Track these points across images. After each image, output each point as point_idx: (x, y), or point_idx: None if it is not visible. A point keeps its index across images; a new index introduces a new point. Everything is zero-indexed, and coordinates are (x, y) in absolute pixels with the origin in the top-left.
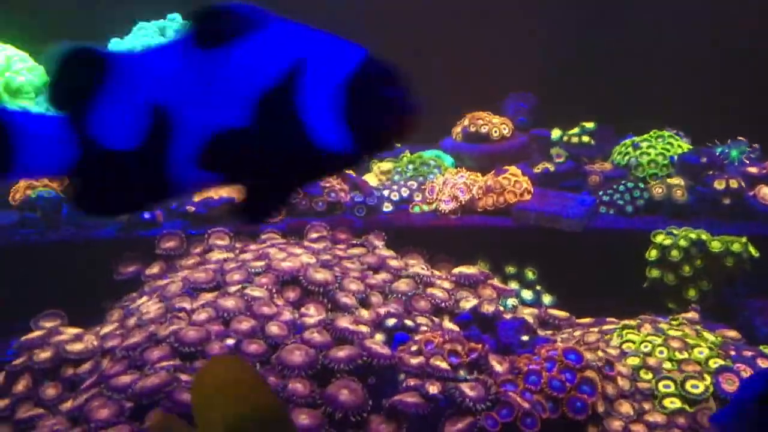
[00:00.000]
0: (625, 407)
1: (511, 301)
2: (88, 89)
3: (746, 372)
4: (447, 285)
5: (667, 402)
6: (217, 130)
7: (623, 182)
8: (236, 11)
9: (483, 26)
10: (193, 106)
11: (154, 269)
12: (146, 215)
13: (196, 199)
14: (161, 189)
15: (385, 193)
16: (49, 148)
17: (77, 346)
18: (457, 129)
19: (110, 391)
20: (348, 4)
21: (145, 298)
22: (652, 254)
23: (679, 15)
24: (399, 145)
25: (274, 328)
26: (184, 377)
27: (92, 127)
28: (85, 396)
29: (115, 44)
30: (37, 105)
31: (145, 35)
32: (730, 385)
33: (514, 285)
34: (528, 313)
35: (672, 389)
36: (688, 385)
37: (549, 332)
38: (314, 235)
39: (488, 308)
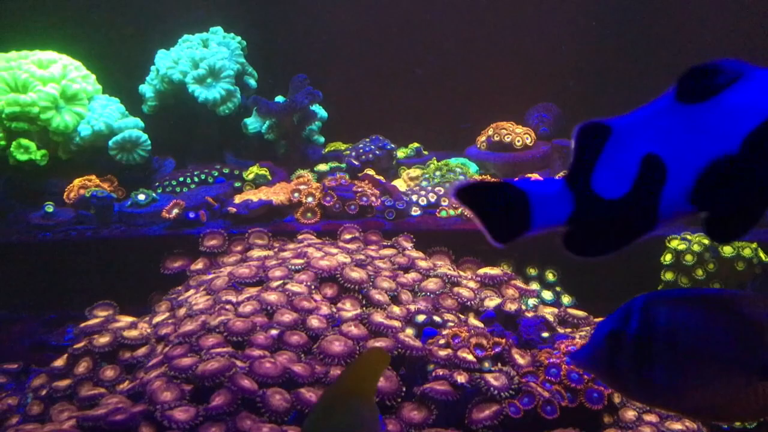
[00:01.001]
0: None
1: (533, 301)
2: (594, 154)
3: None
4: (472, 285)
5: None
6: (709, 168)
7: None
8: (723, 66)
9: (508, 39)
10: (683, 150)
11: (199, 265)
12: (191, 215)
13: (237, 200)
14: (649, 225)
15: (414, 198)
16: (554, 205)
17: (133, 333)
18: (482, 138)
19: (173, 371)
20: (378, 11)
21: (192, 291)
22: (667, 258)
23: (701, 27)
24: (426, 152)
25: (314, 321)
26: (239, 363)
27: (588, 182)
28: (148, 375)
29: (162, 55)
30: (90, 111)
31: (190, 47)
32: None
33: (535, 286)
34: (548, 312)
35: None
36: None
37: (568, 330)
38: (347, 237)
39: (511, 307)
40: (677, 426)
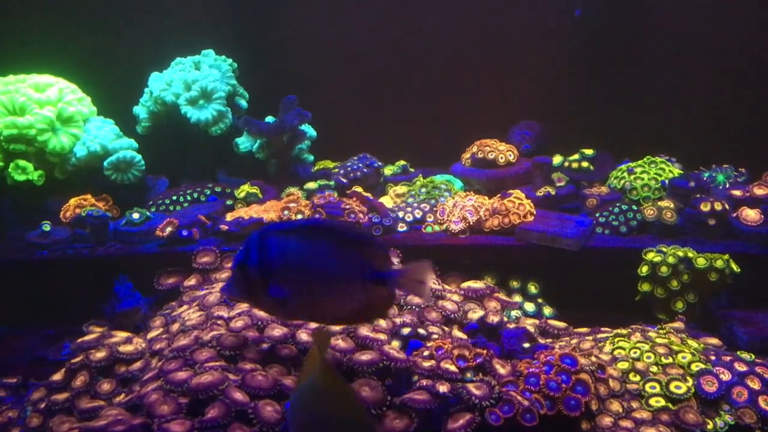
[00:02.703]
0: (615, 406)
1: (515, 313)
2: None
3: (725, 375)
4: (456, 298)
5: (652, 401)
6: None
7: (618, 204)
8: None
9: (493, 60)
10: None
11: (192, 281)
12: (184, 233)
13: (229, 218)
14: None
15: (400, 214)
16: None
17: (128, 348)
18: (466, 155)
19: (169, 385)
20: (364, 33)
21: (185, 307)
22: (644, 270)
23: (672, 52)
24: (413, 170)
25: (303, 336)
26: (232, 376)
27: None
28: (145, 389)
29: (155, 77)
30: (86, 132)
31: (182, 69)
32: (710, 386)
33: (517, 298)
34: (530, 324)
35: (657, 390)
36: (671, 386)
37: (548, 340)
38: None
39: (493, 319)
40: (651, 430)
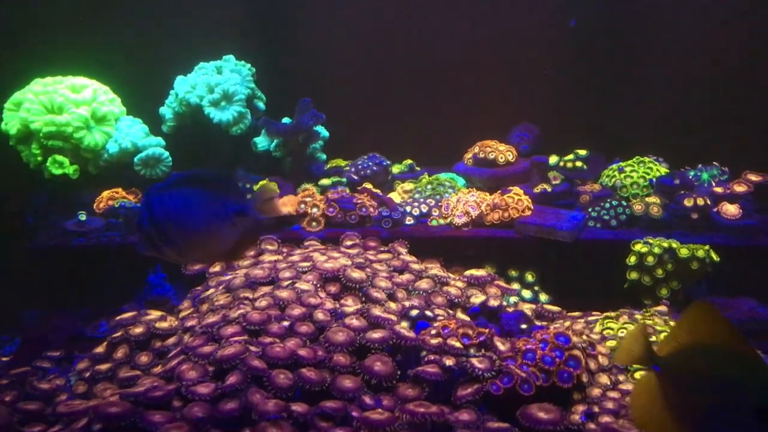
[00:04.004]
0: (604, 379)
1: (513, 299)
2: None
3: None
4: (460, 284)
5: (637, 375)
6: None
7: (609, 201)
8: None
9: (492, 65)
10: None
11: (216, 267)
12: None
13: None
14: None
15: (408, 208)
16: None
17: (163, 324)
18: (468, 155)
19: (197, 357)
20: (374, 42)
21: (212, 290)
22: (632, 260)
23: (663, 60)
24: (419, 168)
25: (320, 315)
26: (253, 348)
27: None
28: (175, 361)
29: (180, 81)
30: (117, 130)
31: (205, 73)
32: None
33: (515, 285)
34: (527, 308)
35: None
36: None
37: (544, 323)
38: (348, 243)
39: (494, 303)
40: None
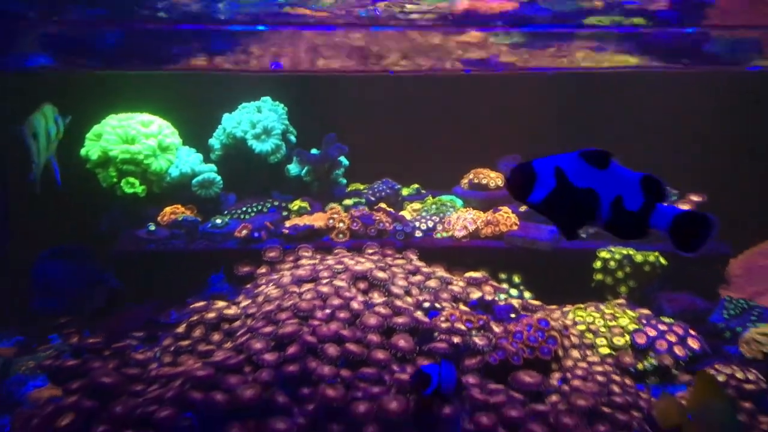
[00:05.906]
0: (575, 353)
1: (503, 295)
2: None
3: (651, 332)
4: (461, 283)
5: (601, 350)
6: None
7: None
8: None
9: (486, 102)
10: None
11: (263, 269)
12: (255, 234)
13: (288, 225)
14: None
15: (417, 224)
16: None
17: (230, 311)
18: (465, 180)
19: (260, 335)
20: (384, 89)
21: (263, 286)
22: (597, 264)
23: (636, 102)
24: (424, 191)
25: (355, 305)
26: (305, 329)
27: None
28: (243, 338)
29: (227, 117)
30: (178, 158)
31: (248, 111)
32: (641, 339)
33: (505, 285)
34: (515, 302)
35: (604, 343)
36: (614, 340)
37: (528, 313)
38: (370, 251)
39: (488, 298)
40: (599, 368)
